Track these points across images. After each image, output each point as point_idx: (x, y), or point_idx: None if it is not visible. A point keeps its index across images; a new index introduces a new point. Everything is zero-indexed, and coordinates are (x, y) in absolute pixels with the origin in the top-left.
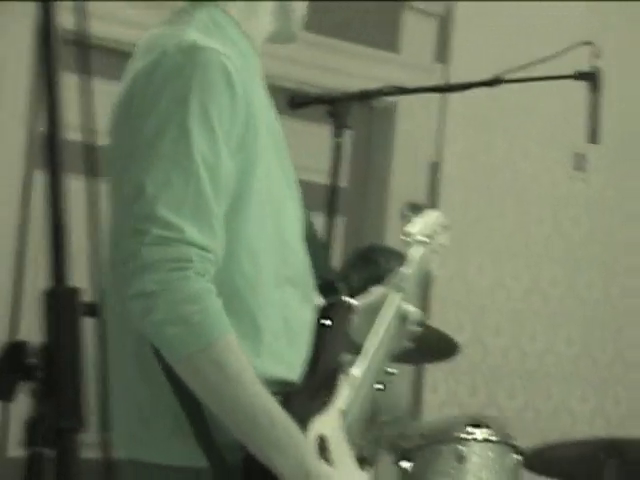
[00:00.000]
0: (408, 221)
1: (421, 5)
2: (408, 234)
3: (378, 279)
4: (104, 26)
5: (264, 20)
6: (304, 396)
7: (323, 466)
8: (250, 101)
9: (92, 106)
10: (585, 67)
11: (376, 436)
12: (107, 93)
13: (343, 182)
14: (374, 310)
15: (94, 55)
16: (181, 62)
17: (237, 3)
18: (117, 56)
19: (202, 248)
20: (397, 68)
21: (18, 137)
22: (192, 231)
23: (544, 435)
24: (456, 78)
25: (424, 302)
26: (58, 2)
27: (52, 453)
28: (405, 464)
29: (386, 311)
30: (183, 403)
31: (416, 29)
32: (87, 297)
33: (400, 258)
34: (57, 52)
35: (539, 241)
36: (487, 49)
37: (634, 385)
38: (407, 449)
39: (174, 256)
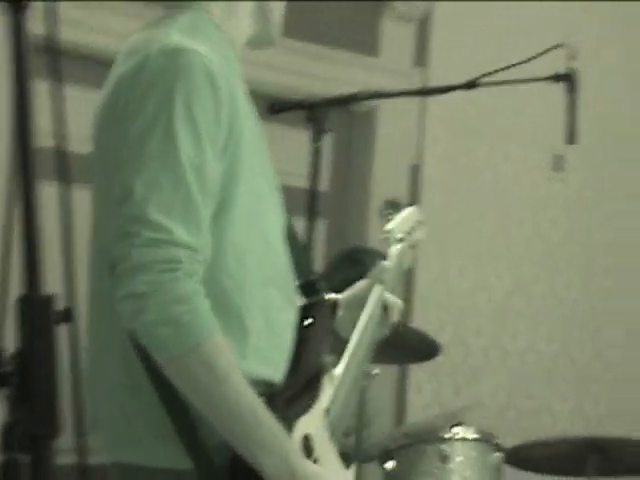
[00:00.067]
0: (387, 219)
1: (399, 10)
2: (387, 232)
3: (361, 279)
4: (74, 32)
5: (244, 23)
6: (288, 397)
7: (309, 465)
8: (234, 104)
9: (64, 112)
10: (562, 69)
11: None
12: (78, 99)
13: (325, 186)
14: (358, 303)
15: (65, 61)
16: (165, 65)
17: (219, 4)
18: (88, 62)
19: (191, 249)
20: (376, 72)
21: (1, 144)
22: (181, 232)
23: (526, 433)
24: (435, 82)
25: (406, 302)
26: (28, 11)
27: (27, 459)
28: (389, 464)
29: (370, 303)
30: (168, 406)
31: (395, 34)
32: (61, 303)
33: (382, 258)
34: (28, 59)
35: (519, 242)
36: (466, 53)
37: (613, 384)
38: (391, 449)
39: (164, 257)
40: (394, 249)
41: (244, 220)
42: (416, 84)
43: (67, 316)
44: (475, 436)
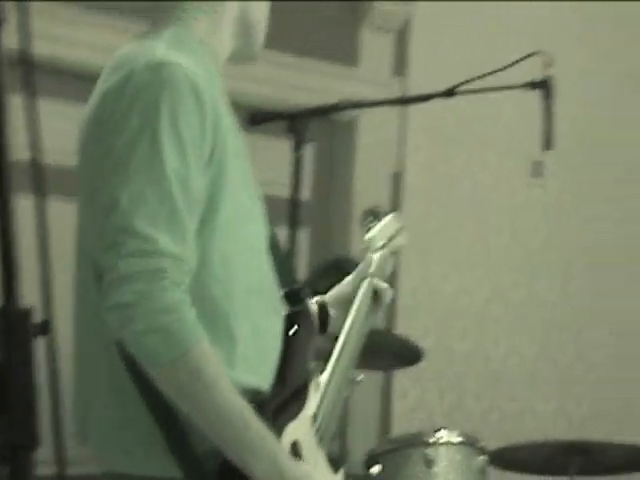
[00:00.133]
0: (368, 228)
1: (378, 20)
2: (368, 240)
3: None
4: (48, 46)
5: (227, 38)
6: (276, 405)
7: (297, 466)
8: (218, 117)
9: (39, 125)
10: (538, 76)
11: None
12: (53, 112)
13: (307, 195)
14: (347, 298)
15: (39, 75)
16: (150, 79)
17: (202, 20)
18: (62, 75)
19: (177, 259)
20: (356, 82)
21: None
22: (167, 242)
23: (510, 436)
24: (415, 91)
25: (389, 309)
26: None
27: (6, 470)
28: (374, 469)
29: (359, 296)
30: (157, 414)
31: (374, 44)
32: (38, 315)
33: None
34: (2, 73)
35: (499, 248)
36: (444, 61)
37: (595, 385)
38: (376, 454)
39: (151, 267)
40: (375, 257)
41: (228, 230)
42: (396, 93)
43: (45, 328)
44: (459, 440)
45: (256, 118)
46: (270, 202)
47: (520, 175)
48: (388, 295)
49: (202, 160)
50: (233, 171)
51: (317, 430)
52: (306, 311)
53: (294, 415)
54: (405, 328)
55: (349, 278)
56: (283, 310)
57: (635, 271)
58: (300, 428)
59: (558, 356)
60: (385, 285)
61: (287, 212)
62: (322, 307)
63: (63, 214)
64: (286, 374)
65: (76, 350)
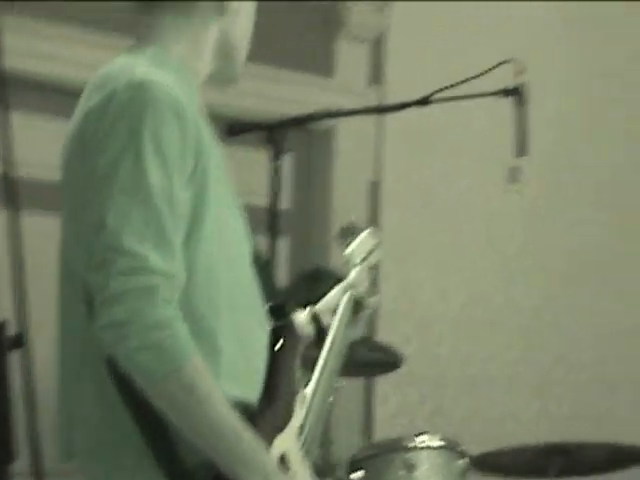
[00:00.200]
0: (346, 243)
1: (353, 31)
2: (347, 256)
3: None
4: (20, 60)
5: (206, 58)
6: (263, 418)
7: (287, 478)
8: (199, 133)
9: (11, 139)
10: (511, 83)
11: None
12: (25, 126)
13: (286, 204)
14: (331, 311)
15: (11, 89)
16: (132, 98)
17: (182, 40)
18: (34, 89)
19: (166, 275)
20: (333, 92)
21: None
22: (156, 260)
23: (491, 439)
24: (391, 99)
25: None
26: None
27: None
28: (356, 474)
29: (340, 308)
30: (145, 428)
31: (349, 54)
32: (12, 329)
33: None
34: None
35: (476, 254)
36: (420, 70)
37: (574, 387)
38: (358, 459)
39: (141, 285)
40: (355, 270)
41: (213, 245)
42: (372, 102)
43: (19, 341)
44: (439, 444)
45: (234, 129)
46: (249, 212)
47: (496, 182)
48: (370, 307)
49: (185, 177)
50: (215, 186)
51: (303, 443)
52: (291, 325)
53: (281, 428)
54: (385, 334)
55: (335, 290)
56: (268, 324)
57: (611, 275)
58: (287, 441)
59: (537, 360)
60: (366, 297)
61: (266, 221)
62: (315, 317)
63: (37, 227)
64: (272, 388)
65: (60, 366)
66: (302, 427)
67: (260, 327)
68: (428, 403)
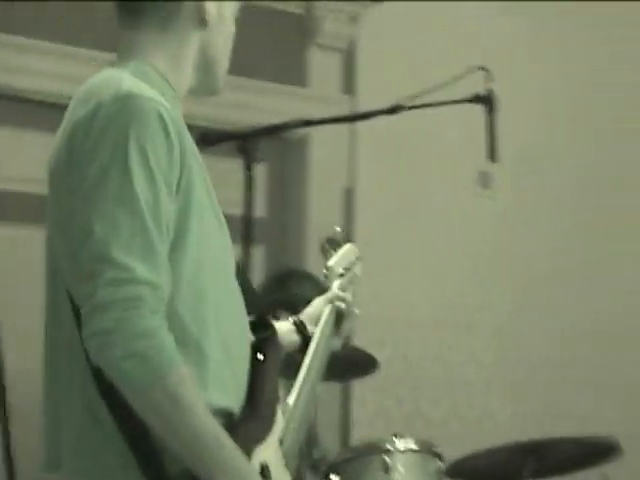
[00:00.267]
0: (328, 256)
1: (325, 41)
2: (328, 268)
3: (289, 301)
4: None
5: (187, 71)
6: (245, 428)
7: None
8: (183, 145)
9: None
10: (481, 90)
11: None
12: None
13: (261, 212)
14: (314, 321)
15: None
16: (118, 111)
17: (163, 53)
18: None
19: (153, 286)
20: (306, 101)
21: None
22: (142, 270)
23: (469, 441)
24: (364, 108)
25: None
26: None
27: None
28: (333, 478)
29: (322, 320)
30: (130, 436)
31: (322, 64)
32: None
33: (314, 282)
34: None
35: (450, 258)
36: (391, 78)
37: (546, 385)
38: (335, 463)
39: (129, 295)
40: (337, 283)
41: (198, 255)
42: (345, 111)
43: None
44: (415, 446)
45: (208, 139)
46: (225, 220)
47: (468, 187)
48: (352, 319)
49: (170, 188)
50: (200, 197)
51: (284, 453)
52: (274, 337)
53: (262, 438)
54: (361, 338)
55: (318, 300)
56: (250, 335)
57: (582, 278)
58: (268, 451)
59: (512, 362)
60: (348, 309)
61: (241, 230)
62: (300, 325)
63: (6, 239)
64: (255, 398)
65: (46, 375)
66: (283, 437)
67: (243, 337)
68: (405, 406)
